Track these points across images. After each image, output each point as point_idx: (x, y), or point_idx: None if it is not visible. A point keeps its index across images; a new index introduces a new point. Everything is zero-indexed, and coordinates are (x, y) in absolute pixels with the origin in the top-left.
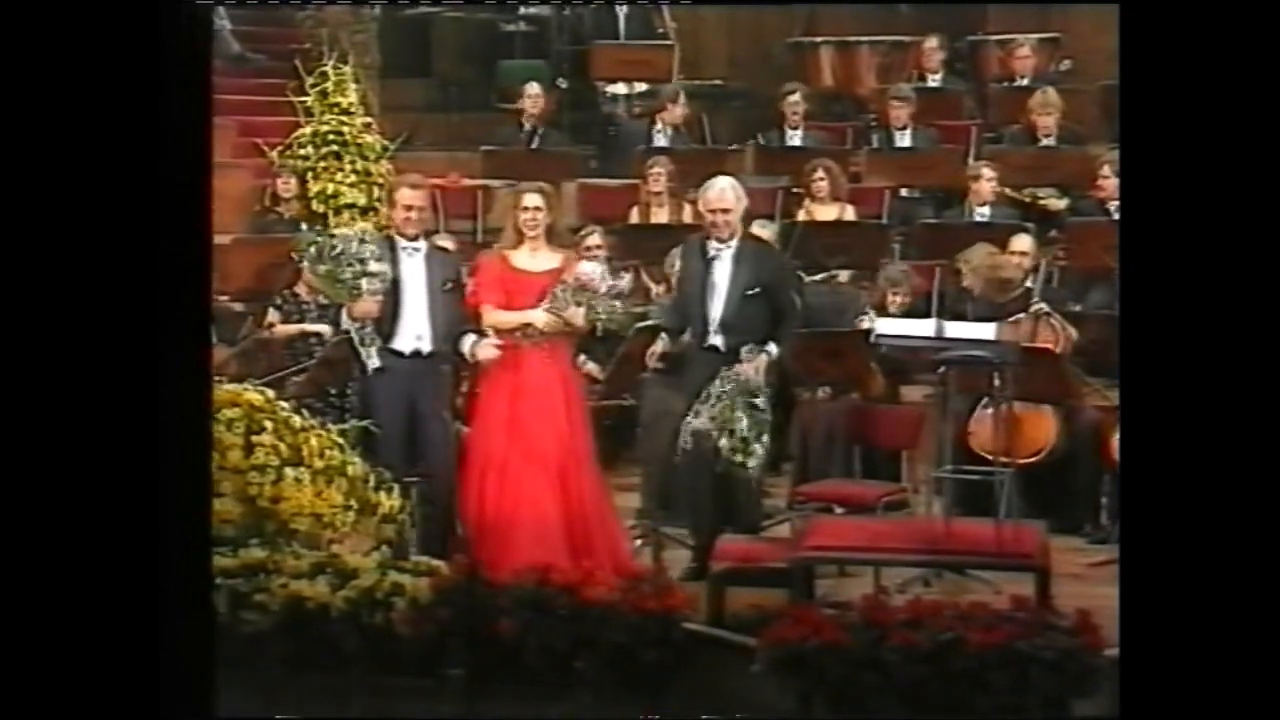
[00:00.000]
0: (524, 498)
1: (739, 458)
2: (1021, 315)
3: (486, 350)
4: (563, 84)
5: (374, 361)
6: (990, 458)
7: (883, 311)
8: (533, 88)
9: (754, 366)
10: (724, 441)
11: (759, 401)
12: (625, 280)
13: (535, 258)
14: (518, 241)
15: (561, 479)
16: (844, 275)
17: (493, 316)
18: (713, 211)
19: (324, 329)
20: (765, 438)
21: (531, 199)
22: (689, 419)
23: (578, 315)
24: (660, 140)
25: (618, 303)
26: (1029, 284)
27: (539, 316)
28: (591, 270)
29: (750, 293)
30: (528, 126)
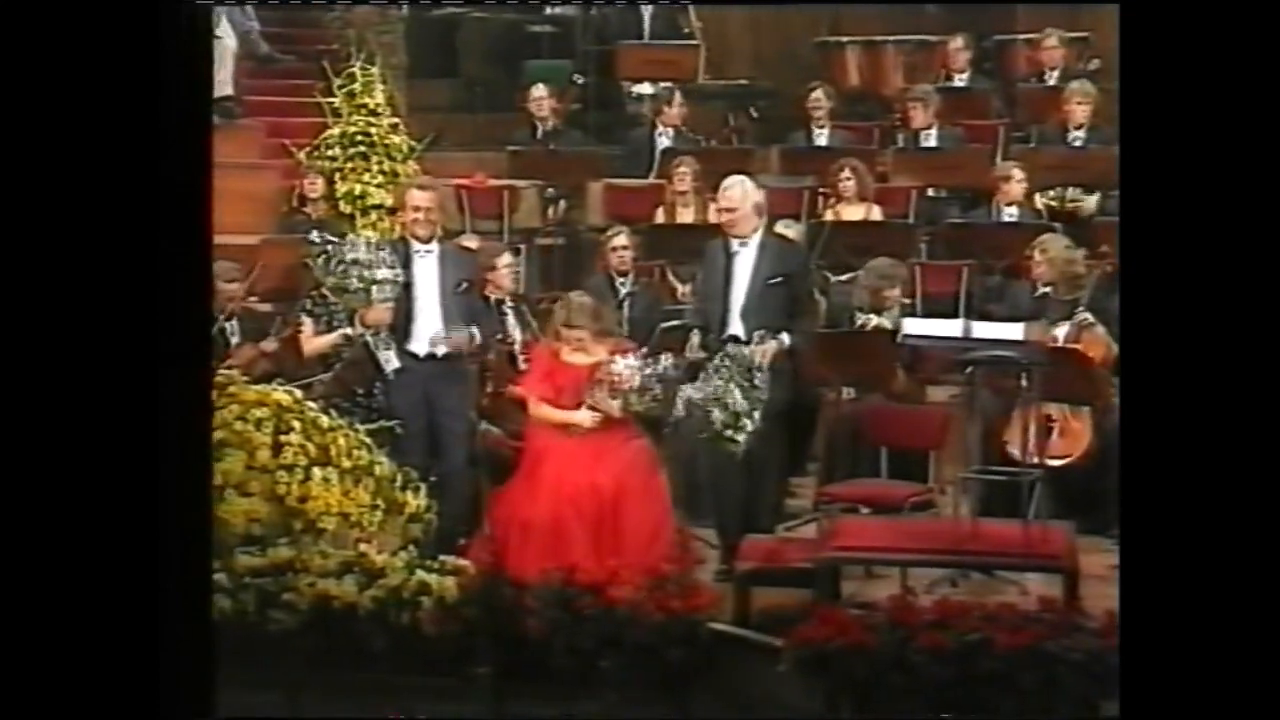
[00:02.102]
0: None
1: (729, 432)
2: (1065, 325)
3: (440, 345)
4: (579, 80)
5: (393, 363)
6: (1024, 460)
7: (877, 310)
8: (538, 90)
9: (761, 350)
10: (716, 414)
11: (756, 379)
12: (661, 365)
13: (583, 350)
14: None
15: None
16: None
17: (539, 411)
18: (720, 210)
19: (354, 333)
20: (757, 415)
21: (576, 334)
22: (684, 388)
23: (615, 408)
24: (664, 142)
25: (655, 389)
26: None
27: (583, 417)
28: (622, 368)
29: (772, 282)
30: (540, 128)
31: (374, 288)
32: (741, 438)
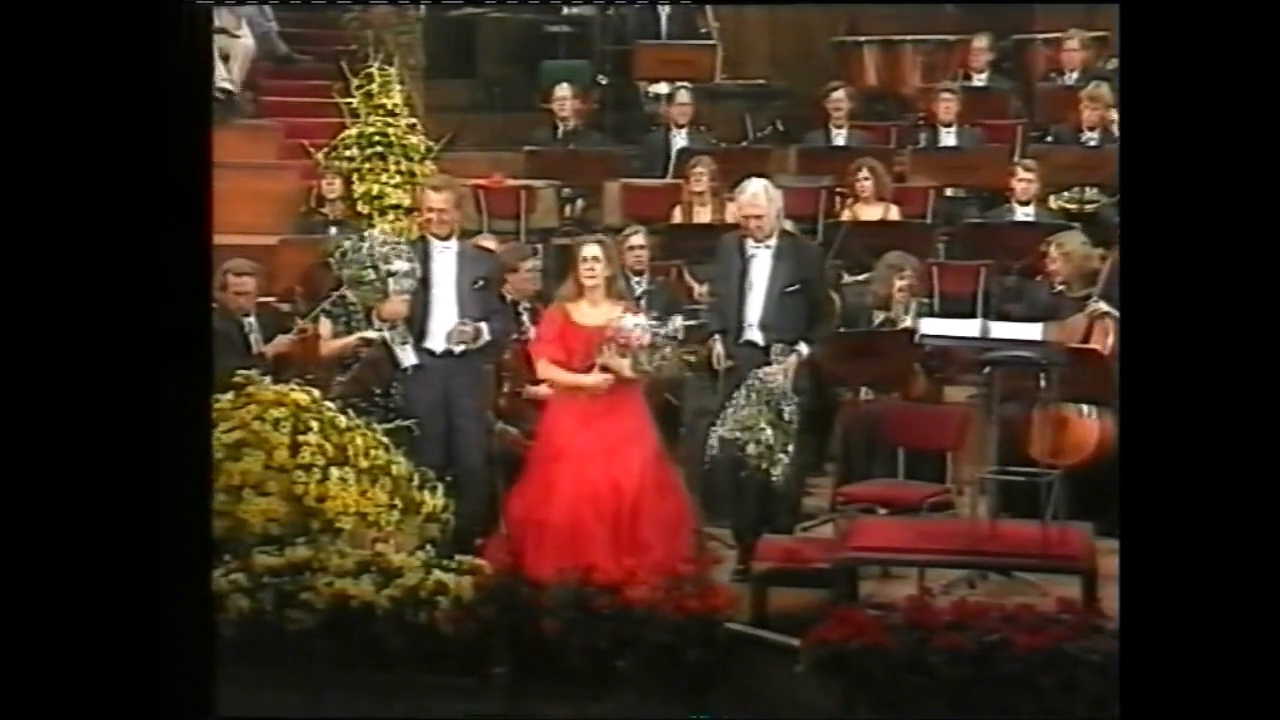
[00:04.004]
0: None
1: (764, 465)
2: (1077, 315)
3: (457, 341)
4: (603, 80)
5: (409, 359)
6: (1042, 460)
7: (888, 303)
8: (562, 89)
9: (783, 369)
10: (750, 448)
11: (785, 412)
12: (671, 325)
13: (594, 310)
14: (578, 293)
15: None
16: None
17: (549, 372)
18: (745, 216)
19: (372, 335)
20: (790, 448)
21: (590, 249)
22: (716, 426)
23: (625, 368)
24: (679, 141)
25: (665, 350)
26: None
27: (594, 379)
28: (630, 326)
29: (789, 289)
30: (561, 127)
31: (390, 280)
32: (777, 470)
